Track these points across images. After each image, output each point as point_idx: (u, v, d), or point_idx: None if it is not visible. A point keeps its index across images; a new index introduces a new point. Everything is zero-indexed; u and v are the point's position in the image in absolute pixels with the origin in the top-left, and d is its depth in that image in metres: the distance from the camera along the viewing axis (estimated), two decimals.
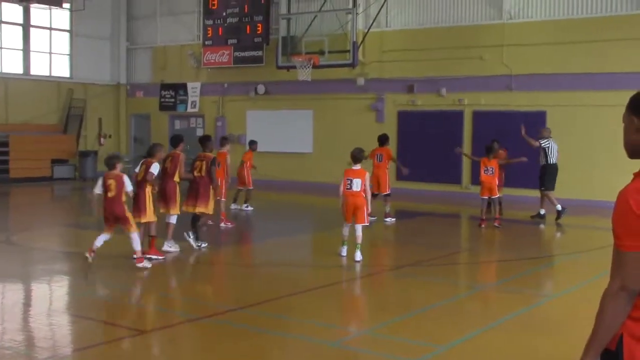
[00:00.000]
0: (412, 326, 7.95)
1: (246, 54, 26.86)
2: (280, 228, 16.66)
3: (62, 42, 29.57)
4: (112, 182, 10.65)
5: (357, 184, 11.52)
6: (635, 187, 2.86)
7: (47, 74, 28.99)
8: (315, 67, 23.12)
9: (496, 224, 15.72)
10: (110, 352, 6.88)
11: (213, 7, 27.38)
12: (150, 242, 11.47)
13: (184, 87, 29.16)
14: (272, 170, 24.87)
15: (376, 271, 11.74)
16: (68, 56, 29.70)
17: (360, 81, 24.48)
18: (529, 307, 8.89)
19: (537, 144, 17.12)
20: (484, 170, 15.73)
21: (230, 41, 27.07)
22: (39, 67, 28.73)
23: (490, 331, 7.69)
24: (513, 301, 9.34)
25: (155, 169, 11.32)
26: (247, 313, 8.39)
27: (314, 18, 24.06)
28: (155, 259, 11.37)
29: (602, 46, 20.20)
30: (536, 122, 21.18)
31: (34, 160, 26.86)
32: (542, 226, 16.70)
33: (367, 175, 11.72)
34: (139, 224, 11.30)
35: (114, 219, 10.77)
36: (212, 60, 27.74)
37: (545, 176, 17.09)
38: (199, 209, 12.45)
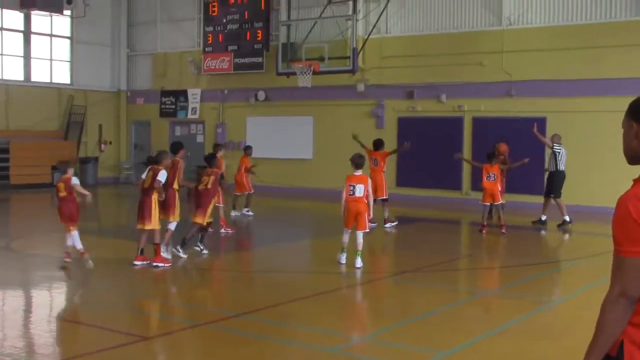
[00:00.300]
0: (413, 332, 7.94)
1: (246, 60, 26.91)
2: (280, 234, 16.66)
3: (63, 48, 29.62)
4: (61, 185, 11.45)
5: (360, 190, 11.52)
6: (635, 193, 2.86)
7: (48, 81, 29.03)
8: (315, 73, 23.16)
9: (503, 231, 15.68)
10: (111, 358, 6.87)
11: (213, 14, 27.43)
12: (156, 249, 11.48)
13: (184, 93, 29.19)
14: (272, 176, 24.88)
15: (377, 277, 11.73)
16: (69, 63, 29.75)
17: (360, 87, 24.51)
18: (530, 313, 8.88)
19: (550, 144, 17.07)
20: (486, 177, 15.68)
21: (230, 48, 27.12)
22: (39, 74, 28.76)
23: (492, 337, 7.69)
24: (514, 307, 9.33)
25: (162, 176, 11.34)
26: (247, 319, 8.39)
27: (314, 24, 24.09)
28: (162, 266, 11.37)
29: (601, 52, 20.24)
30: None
31: (35, 167, 26.86)
32: (543, 232, 16.69)
33: (370, 181, 11.74)
34: (141, 230, 11.33)
35: (66, 218, 11.37)
36: (213, 67, 27.78)
37: (554, 183, 17.02)
38: (196, 219, 12.42)
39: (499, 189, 15.81)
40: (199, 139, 29.23)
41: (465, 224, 18.94)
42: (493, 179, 15.63)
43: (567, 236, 16.45)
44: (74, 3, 27.28)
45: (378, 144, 17.09)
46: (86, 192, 11.48)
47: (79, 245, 11.30)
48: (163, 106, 29.81)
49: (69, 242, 11.37)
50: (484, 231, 15.84)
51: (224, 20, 27.16)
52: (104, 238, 16.03)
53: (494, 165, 15.68)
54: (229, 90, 27.95)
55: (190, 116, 29.07)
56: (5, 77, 27.63)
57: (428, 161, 23.02)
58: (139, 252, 11.49)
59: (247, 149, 19.11)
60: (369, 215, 11.86)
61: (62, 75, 29.59)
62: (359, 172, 11.68)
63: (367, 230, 11.86)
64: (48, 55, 29.06)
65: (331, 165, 23.56)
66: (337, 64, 23.29)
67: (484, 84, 22.25)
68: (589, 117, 20.21)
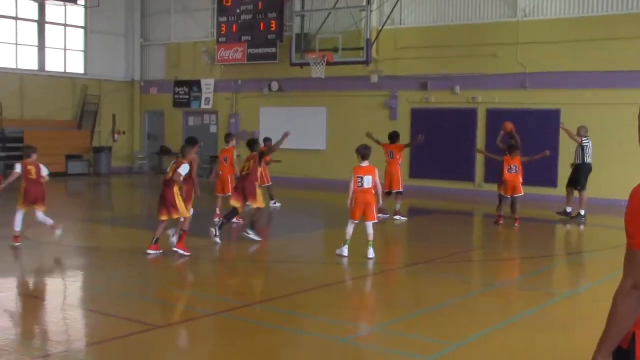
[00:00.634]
0: (425, 323, 7.95)
1: (260, 50, 26.91)
2: (293, 225, 16.69)
3: (77, 38, 29.71)
4: (32, 168, 12.26)
5: (368, 181, 11.46)
6: None
7: (62, 70, 29.14)
8: (328, 64, 23.14)
9: (516, 224, 15.61)
10: (125, 346, 6.92)
11: (227, 4, 27.42)
12: (181, 236, 11.53)
13: (197, 83, 29.23)
14: (285, 167, 24.88)
15: (389, 268, 11.74)
16: (82, 52, 29.85)
17: (374, 78, 24.46)
18: (543, 305, 8.86)
19: (579, 139, 16.93)
20: (508, 169, 15.57)
21: (244, 38, 27.13)
22: (53, 63, 28.88)
23: (504, 329, 7.69)
24: (527, 299, 9.33)
25: (184, 170, 11.37)
26: (259, 309, 8.43)
27: (328, 15, 24.06)
28: (182, 254, 11.41)
29: (617, 44, 20.11)
30: (550, 120, 21.18)
31: (48, 156, 26.82)
32: (568, 225, 16.51)
33: (376, 171, 11.66)
34: (161, 220, 11.49)
35: (32, 199, 12.23)
36: (226, 57, 27.80)
37: (580, 175, 16.89)
38: (254, 204, 13.07)
39: (520, 180, 15.71)
40: (212, 129, 29.29)
41: (478, 215, 18.91)
42: (515, 171, 15.54)
43: (582, 228, 16.36)
44: None
45: (394, 137, 17.00)
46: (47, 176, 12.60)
47: (50, 221, 12.37)
48: (176, 96, 29.86)
49: (38, 220, 12.35)
50: (500, 222, 15.79)
51: (238, 11, 27.15)
52: (117, 227, 16.12)
53: (514, 157, 15.58)
54: (243, 80, 27.97)
55: (203, 106, 29.12)
56: (19, 67, 27.76)
57: (441, 153, 22.99)
58: (154, 241, 11.54)
59: (267, 141, 19.10)
60: (377, 205, 11.85)
61: (76, 65, 29.70)
62: (365, 163, 11.60)
63: (376, 220, 11.78)
64: (62, 44, 29.16)
65: (344, 156, 23.52)
66: (350, 54, 23.27)
67: (498, 76, 22.16)
68: (604, 109, 20.10)
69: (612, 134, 19.66)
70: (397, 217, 16.54)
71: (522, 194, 15.85)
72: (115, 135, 30.52)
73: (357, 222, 11.66)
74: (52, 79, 28.43)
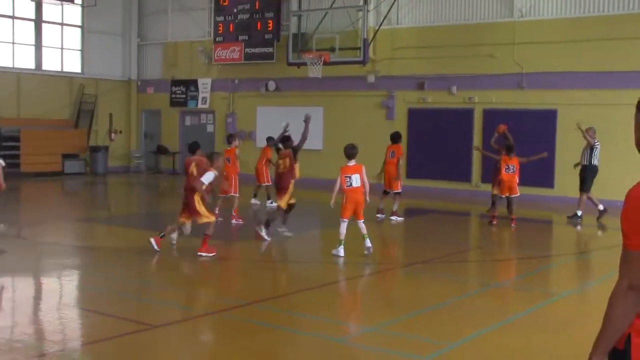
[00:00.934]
0: (422, 323, 7.96)
1: (257, 50, 26.91)
2: (290, 224, 16.68)
3: (74, 37, 29.68)
4: None
5: (356, 180, 11.66)
6: None
7: (59, 69, 29.11)
8: (325, 64, 23.12)
9: (513, 225, 15.62)
10: (121, 346, 6.92)
11: (224, 4, 27.41)
12: (204, 239, 11.46)
13: (194, 83, 29.22)
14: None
15: (386, 268, 11.74)
16: (79, 52, 29.82)
17: (371, 78, 24.47)
18: (540, 305, 8.88)
19: (592, 141, 16.84)
20: (505, 169, 15.60)
21: (241, 37, 27.12)
22: (50, 63, 28.85)
23: (501, 329, 7.70)
24: (524, 299, 9.34)
25: (208, 178, 11.31)
26: (257, 309, 8.42)
27: (325, 15, 24.05)
28: (205, 256, 11.39)
29: (614, 44, 20.14)
30: (547, 120, 21.21)
31: (45, 155, 26.97)
32: (579, 227, 16.40)
33: (363, 168, 11.84)
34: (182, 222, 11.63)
35: None
36: (223, 57, 27.79)
37: (586, 177, 16.86)
38: (278, 201, 13.45)
39: (517, 181, 15.73)
40: (209, 128, 29.28)
41: (475, 215, 18.91)
42: (512, 171, 15.56)
43: (578, 228, 16.38)
44: None
45: (396, 137, 17.02)
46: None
47: None
48: (173, 96, 29.86)
49: None
50: (494, 222, 15.83)
51: (235, 10, 27.14)
52: (114, 227, 16.10)
53: (512, 157, 15.60)
54: (240, 80, 27.97)
55: (200, 106, 29.12)
56: (16, 66, 27.73)
57: (438, 153, 23.00)
58: (160, 235, 11.59)
59: (270, 140, 19.13)
60: (365, 203, 11.88)
61: (73, 64, 29.68)
62: (352, 163, 11.83)
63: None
64: (59, 44, 29.14)
65: (341, 156, 23.41)
66: (347, 54, 23.26)
67: (495, 76, 22.18)
68: (601, 110, 20.12)
69: (609, 135, 19.64)
70: (393, 217, 16.55)
71: (519, 194, 15.86)
72: (112, 135, 30.50)
73: (347, 220, 11.73)
74: (49, 78, 28.40)
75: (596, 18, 20.66)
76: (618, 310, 2.87)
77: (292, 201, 13.48)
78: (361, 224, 11.77)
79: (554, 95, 21.15)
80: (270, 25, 26.31)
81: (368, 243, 11.72)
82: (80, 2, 28.65)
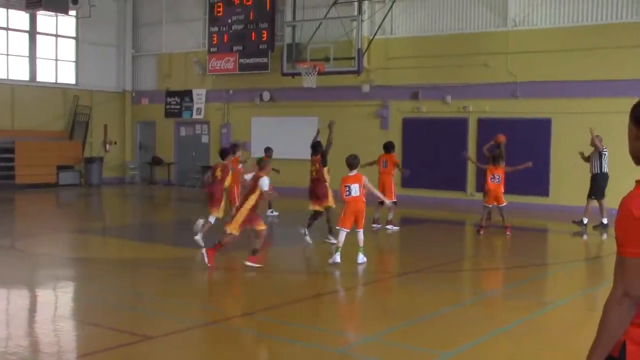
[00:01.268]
0: (417, 333, 7.94)
1: (251, 60, 26.96)
2: (285, 235, 16.67)
3: (68, 49, 29.71)
4: None
5: (355, 189, 11.79)
6: (638, 194, 2.87)
7: (53, 81, 29.12)
8: (320, 74, 23.18)
9: (508, 233, 15.64)
10: (117, 357, 6.89)
11: (218, 14, 27.46)
12: (255, 251, 11.37)
13: (189, 94, 29.25)
14: (276, 177, 24.83)
15: (381, 278, 11.74)
16: (74, 63, 29.84)
17: (365, 88, 24.52)
18: (535, 314, 8.88)
19: (601, 148, 16.78)
20: (491, 178, 15.66)
21: (235, 48, 27.16)
22: (45, 74, 28.86)
23: (496, 338, 7.69)
24: (518, 308, 9.33)
25: (265, 184, 11.27)
26: (253, 319, 8.41)
27: (319, 25, 24.10)
28: (253, 266, 11.26)
29: (607, 53, 20.22)
30: (541, 129, 21.26)
31: (40, 167, 26.94)
32: (605, 236, 16.36)
33: (364, 178, 12.00)
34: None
35: None
36: (217, 67, 27.83)
37: (598, 184, 16.82)
38: (324, 205, 13.85)
39: (502, 190, 15.78)
40: (204, 139, 29.29)
41: (469, 224, 18.91)
42: (497, 180, 15.61)
43: (605, 236, 16.09)
44: (79, 3, 27.32)
45: (389, 147, 17.08)
46: None
47: None
48: (168, 106, 29.87)
49: None
50: (481, 232, 15.86)
51: (229, 21, 27.19)
52: (109, 238, 16.07)
53: (498, 167, 15.66)
54: (234, 90, 28.00)
55: (195, 116, 29.13)
56: (10, 77, 27.73)
57: (433, 162, 23.03)
58: (217, 242, 11.43)
59: (268, 151, 19.20)
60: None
61: (67, 76, 29.69)
62: (353, 173, 11.99)
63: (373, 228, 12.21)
64: (53, 55, 29.16)
65: (336, 165, 23.49)
66: (342, 64, 23.31)
67: (489, 85, 22.25)
68: (595, 118, 20.13)
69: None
70: (389, 226, 16.56)
71: (505, 204, 15.86)
72: (107, 146, 30.48)
73: (347, 230, 11.74)
74: (43, 90, 28.40)
75: (589, 27, 20.75)
76: (613, 317, 2.87)
77: (320, 209, 13.96)
78: (360, 234, 11.86)
79: (548, 104, 21.22)
80: (265, 35, 26.36)
81: (361, 258, 11.79)
82: (74, 14, 28.67)
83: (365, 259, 11.84)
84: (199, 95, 28.97)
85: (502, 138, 16.90)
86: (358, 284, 11.26)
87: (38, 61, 28.61)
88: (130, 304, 9.41)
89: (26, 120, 27.62)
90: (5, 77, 27.54)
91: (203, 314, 8.85)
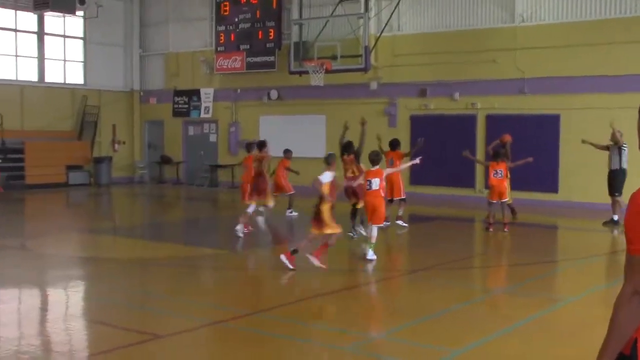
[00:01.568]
0: (426, 330, 7.94)
1: (258, 59, 26.96)
2: (295, 232, 16.68)
3: (76, 49, 29.77)
4: None
5: (375, 183, 12.24)
6: None
7: (62, 81, 29.19)
8: (327, 72, 23.14)
9: (506, 230, 15.59)
10: (127, 356, 6.91)
11: (225, 13, 27.47)
12: (322, 246, 11.22)
13: (197, 93, 29.27)
14: (293, 177, 24.87)
15: (391, 275, 11.74)
16: (82, 63, 29.90)
17: (373, 85, 24.49)
18: (544, 312, 8.86)
19: (621, 142, 16.57)
20: (493, 174, 15.63)
21: (242, 47, 27.16)
22: (53, 74, 28.93)
23: (505, 335, 7.68)
24: (528, 305, 9.30)
25: (326, 178, 11.38)
26: (263, 318, 8.41)
27: (326, 23, 24.07)
28: (314, 261, 11.04)
29: (615, 48, 20.13)
30: (550, 125, 21.18)
31: (49, 167, 27.03)
32: (615, 232, 16.22)
33: (385, 171, 12.72)
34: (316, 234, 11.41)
35: None
36: (225, 66, 27.85)
37: (616, 180, 16.74)
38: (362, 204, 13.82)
39: (506, 185, 15.72)
40: (212, 138, 29.32)
41: (478, 221, 18.85)
42: (500, 175, 15.57)
43: (615, 232, 15.99)
44: (86, 4, 27.39)
45: (395, 144, 17.09)
46: None
47: None
48: (176, 106, 29.91)
49: None
50: (490, 229, 15.80)
51: (236, 20, 27.19)
52: (119, 238, 16.11)
53: (499, 162, 15.62)
54: (242, 89, 28.01)
55: (203, 115, 29.16)
56: (19, 78, 27.82)
57: (441, 159, 22.95)
58: (292, 251, 11.26)
59: (287, 152, 19.27)
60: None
61: (75, 76, 29.76)
62: (374, 167, 12.43)
63: (382, 225, 12.58)
64: (61, 56, 29.23)
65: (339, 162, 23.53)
66: (349, 62, 23.27)
67: (497, 82, 22.18)
68: (603, 114, 20.06)
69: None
70: (399, 221, 16.53)
71: (508, 199, 15.82)
72: (116, 146, 30.55)
73: (381, 225, 12.50)
74: (52, 90, 28.48)
75: (597, 22, 20.65)
76: (623, 315, 2.85)
77: (359, 205, 14.10)
78: (374, 230, 12.13)
79: (556, 100, 21.14)
80: (272, 34, 26.35)
81: (370, 254, 11.92)
82: (82, 14, 28.72)
83: (375, 256, 11.88)
84: (207, 94, 29.00)
85: (507, 138, 16.90)
86: (367, 282, 11.26)
87: (46, 62, 28.68)
88: (140, 302, 9.43)
89: (35, 121, 27.70)
90: (14, 78, 27.63)
91: (212, 312, 8.86)
